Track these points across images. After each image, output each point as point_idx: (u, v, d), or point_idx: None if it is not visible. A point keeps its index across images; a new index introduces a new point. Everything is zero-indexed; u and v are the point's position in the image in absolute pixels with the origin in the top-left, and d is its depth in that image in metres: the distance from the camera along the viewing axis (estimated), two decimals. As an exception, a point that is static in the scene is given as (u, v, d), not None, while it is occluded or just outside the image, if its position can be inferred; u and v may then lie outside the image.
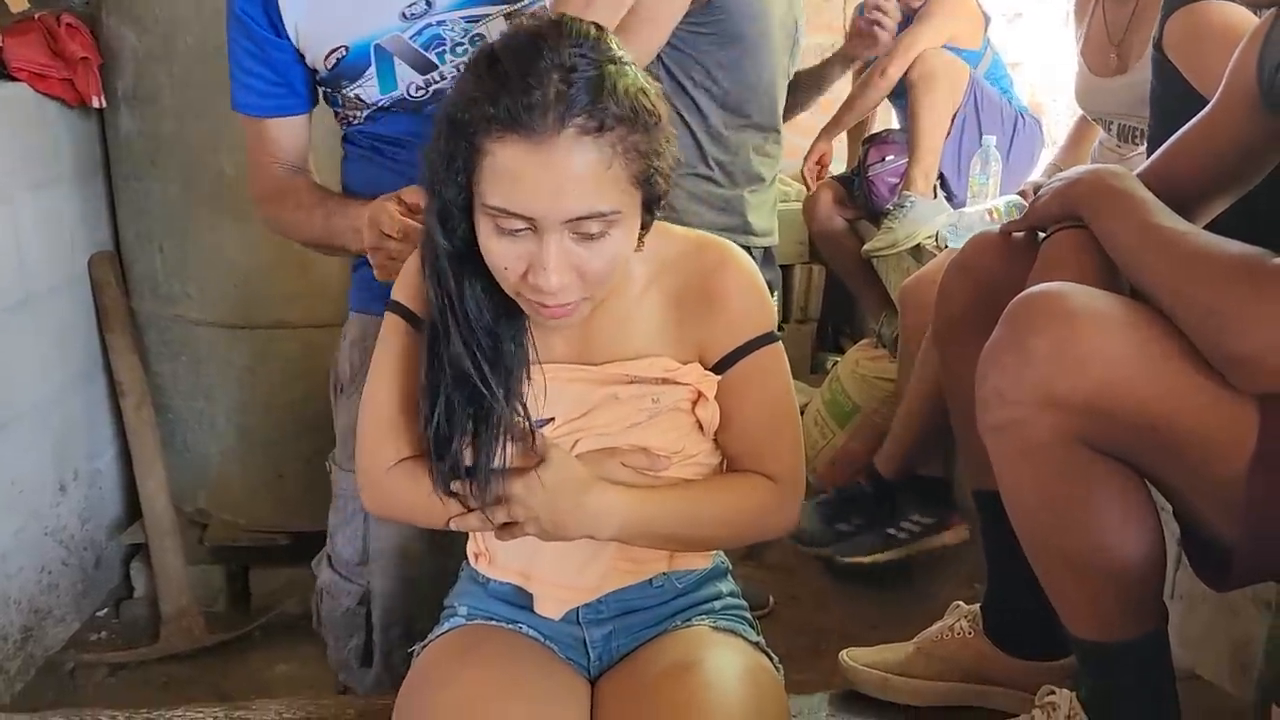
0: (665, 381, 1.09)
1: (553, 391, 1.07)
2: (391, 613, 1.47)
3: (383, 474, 1.11)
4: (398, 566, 1.45)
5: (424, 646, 1.15)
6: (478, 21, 1.34)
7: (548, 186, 0.92)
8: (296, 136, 1.48)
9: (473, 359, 1.02)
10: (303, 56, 1.41)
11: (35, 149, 2.41)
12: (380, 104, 1.39)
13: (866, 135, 3.16)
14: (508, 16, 1.36)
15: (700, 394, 1.10)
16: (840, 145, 3.40)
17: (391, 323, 1.12)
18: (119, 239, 2.64)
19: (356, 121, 1.45)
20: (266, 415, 2.50)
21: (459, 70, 1.33)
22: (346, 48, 1.36)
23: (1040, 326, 0.98)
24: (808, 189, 3.23)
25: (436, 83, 1.36)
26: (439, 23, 1.34)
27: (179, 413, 2.65)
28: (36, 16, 2.38)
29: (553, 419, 1.08)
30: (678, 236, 1.12)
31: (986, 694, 1.40)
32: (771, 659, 1.16)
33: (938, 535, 2.03)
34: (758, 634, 1.17)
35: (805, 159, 3.24)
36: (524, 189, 0.92)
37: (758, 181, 2.18)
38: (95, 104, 2.46)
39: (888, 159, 2.94)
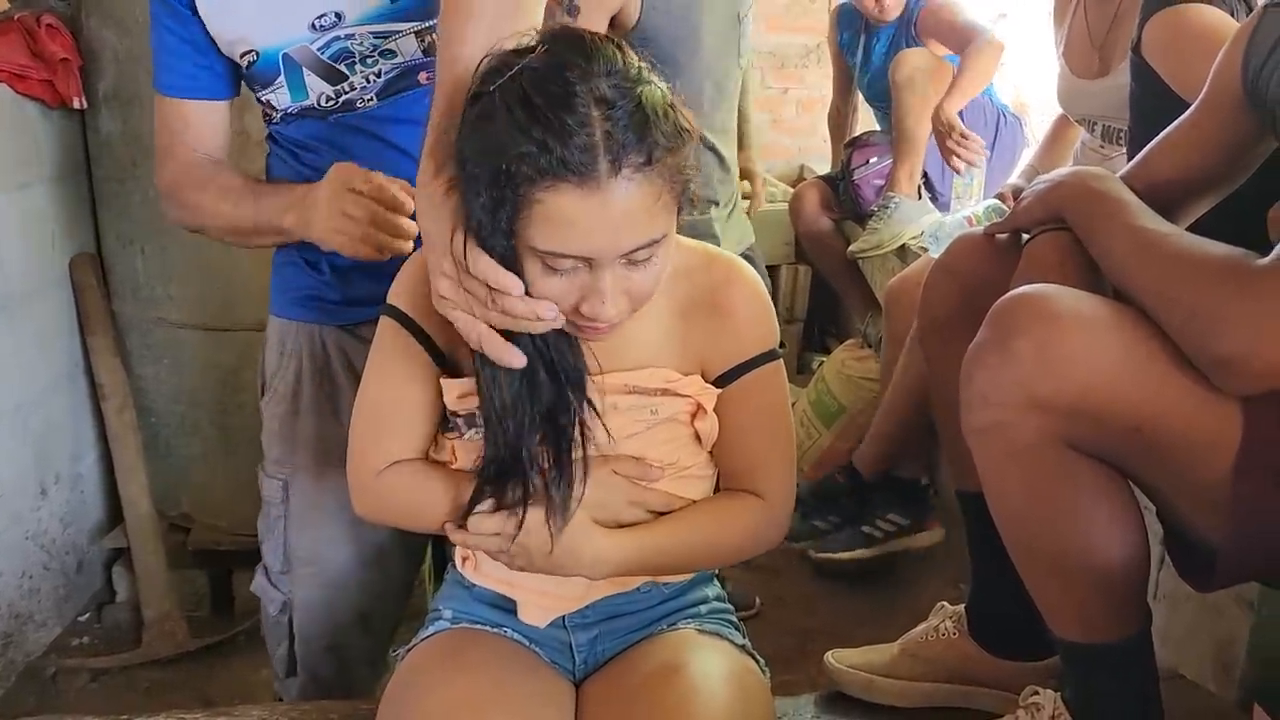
0: (665, 393, 1.08)
1: None
2: (311, 623, 1.45)
3: (374, 478, 1.10)
4: (316, 576, 1.43)
5: (408, 650, 1.15)
6: (387, 38, 1.32)
7: (605, 228, 0.90)
8: (217, 124, 1.43)
9: (548, 372, 1.00)
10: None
11: (15, 150, 2.39)
12: (290, 111, 1.37)
13: (849, 139, 3.17)
14: (418, 34, 1.34)
15: (700, 406, 1.10)
16: (825, 146, 3.42)
17: (386, 326, 1.10)
18: (100, 241, 2.62)
19: (274, 121, 1.43)
20: (250, 418, 2.48)
21: (369, 80, 1.34)
22: (257, 53, 1.34)
23: (1024, 328, 0.99)
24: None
25: (347, 93, 1.35)
26: (347, 36, 1.32)
27: (161, 416, 2.63)
28: (16, 17, 2.37)
29: None
30: (685, 248, 1.10)
31: (971, 695, 1.40)
32: (757, 661, 1.16)
33: (913, 536, 2.04)
34: (744, 636, 1.17)
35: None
36: (579, 233, 0.90)
37: (710, 206, 2.09)
38: (76, 105, 2.45)
39: (871, 161, 2.95)
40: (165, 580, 2.58)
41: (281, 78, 1.35)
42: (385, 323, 1.11)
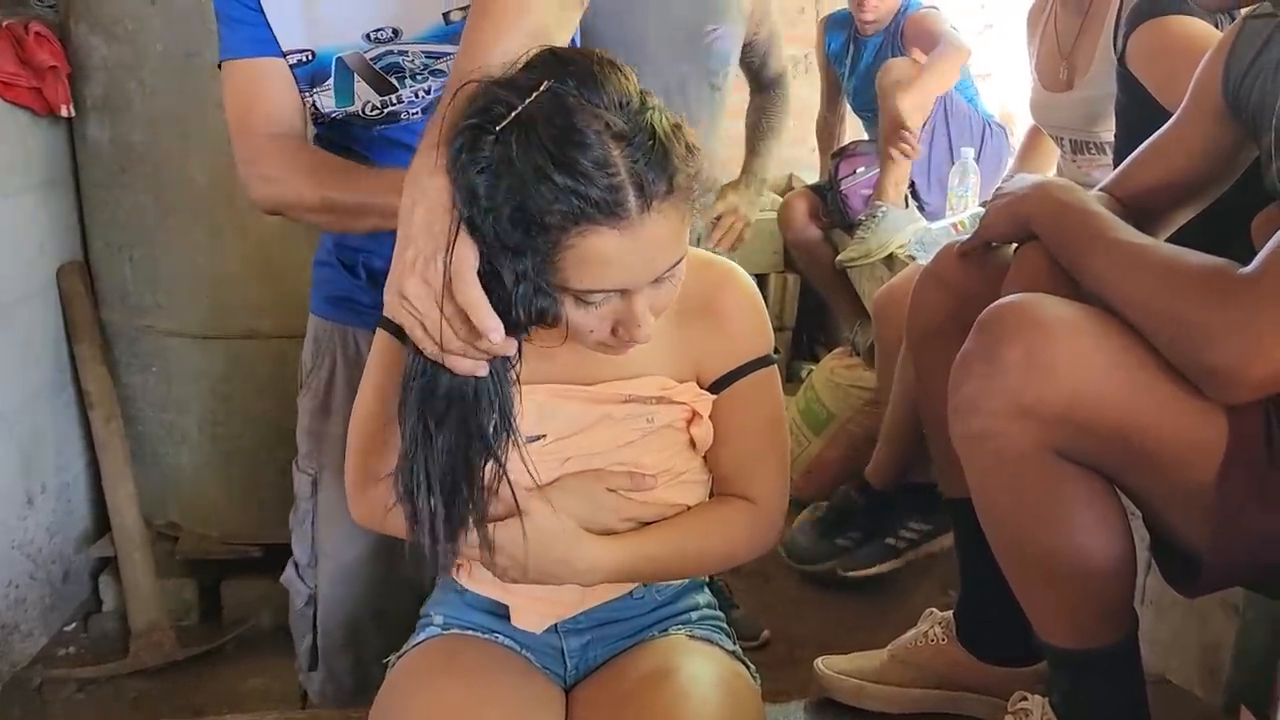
0: (661, 400, 1.09)
1: (547, 410, 1.07)
2: (331, 617, 1.48)
3: (367, 489, 1.11)
4: (336, 571, 1.46)
5: (399, 657, 1.15)
6: (438, 59, 1.33)
7: (640, 261, 0.92)
8: (292, 90, 1.33)
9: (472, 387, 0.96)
10: None
11: (3, 158, 2.38)
12: (333, 116, 1.37)
13: (835, 149, 3.18)
14: None
15: (695, 413, 1.10)
16: (813, 156, 3.43)
17: (380, 338, 1.11)
18: (88, 249, 2.61)
19: (319, 121, 1.41)
20: (238, 426, 2.48)
21: (418, 96, 1.34)
22: (312, 53, 1.34)
23: (1012, 336, 0.99)
24: None
25: (393, 105, 1.35)
26: (400, 52, 1.33)
27: (149, 424, 2.62)
28: (4, 25, 2.36)
29: (543, 436, 1.07)
30: None
31: (960, 700, 1.41)
32: (748, 667, 1.16)
33: (936, 540, 2.03)
34: (734, 642, 1.18)
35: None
36: (616, 269, 0.91)
37: None
38: (64, 113, 2.44)
39: (858, 171, 2.96)
40: (153, 589, 2.56)
41: (331, 81, 1.35)
42: (380, 335, 1.11)
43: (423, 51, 1.33)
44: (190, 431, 2.56)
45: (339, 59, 1.33)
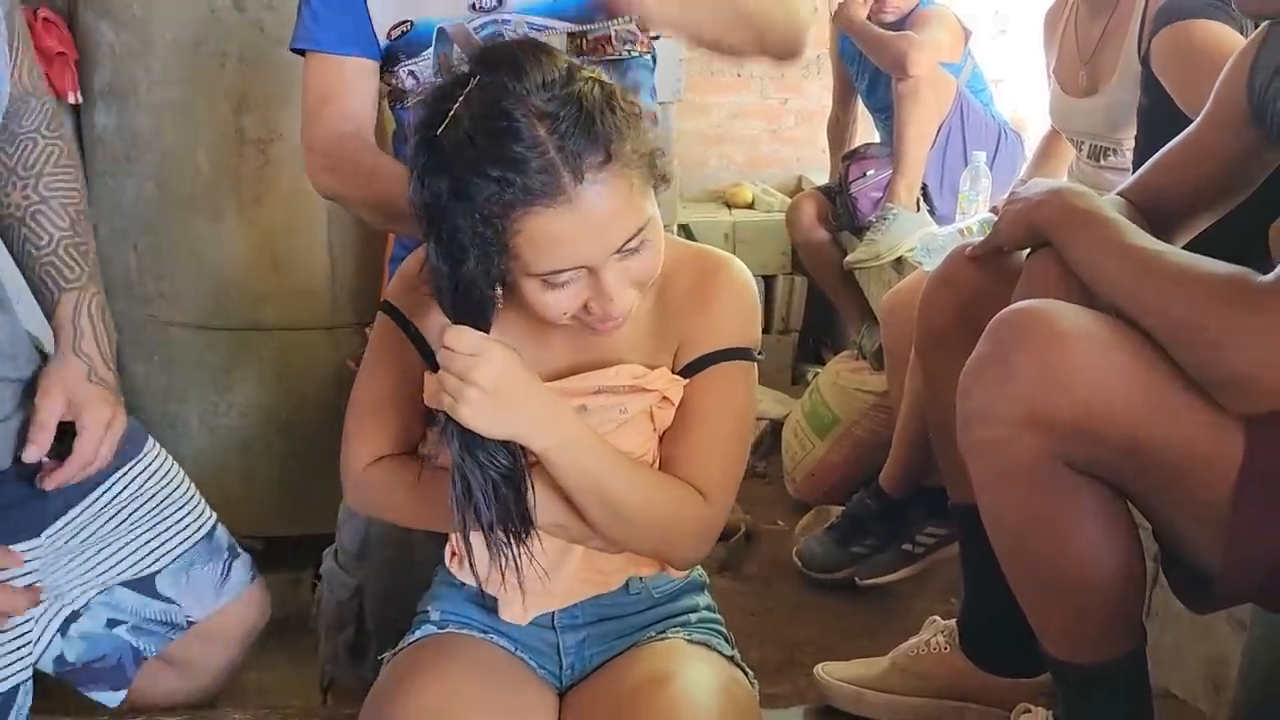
0: (633, 390, 1.08)
1: None
2: (378, 612, 1.47)
3: (361, 471, 1.12)
4: (391, 563, 1.45)
5: (394, 655, 1.14)
6: (541, 32, 1.36)
7: (590, 235, 0.92)
8: (369, 89, 1.42)
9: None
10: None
11: (9, 144, 2.37)
12: (419, 92, 1.38)
13: (846, 151, 3.17)
14: (571, 36, 1.38)
15: (665, 398, 1.08)
16: (823, 157, 3.41)
17: (381, 322, 1.13)
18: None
19: (403, 104, 1.44)
20: (239, 418, 2.47)
21: None
22: (411, 23, 1.37)
23: (1024, 344, 0.98)
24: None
25: None
26: (504, 21, 1.36)
27: (150, 415, 2.61)
28: (13, 9, 2.35)
29: None
30: (680, 246, 1.12)
31: (962, 710, 1.39)
32: (746, 673, 1.15)
33: (953, 545, 2.01)
34: (732, 647, 1.16)
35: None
36: (568, 247, 0.92)
37: None
38: (71, 99, 2.43)
39: (869, 174, 2.94)
40: (151, 580, 2.55)
41: (430, 51, 1.37)
42: (381, 319, 1.13)
43: (526, 23, 1.36)
44: (191, 423, 2.56)
45: (440, 29, 1.35)
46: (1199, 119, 1.24)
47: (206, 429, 2.56)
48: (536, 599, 1.11)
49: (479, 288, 0.95)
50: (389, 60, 1.42)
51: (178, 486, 1.37)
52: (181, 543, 1.32)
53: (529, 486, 1.00)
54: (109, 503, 1.28)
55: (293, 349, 2.38)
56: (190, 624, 1.35)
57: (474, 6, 1.36)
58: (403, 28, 1.38)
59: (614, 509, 1.03)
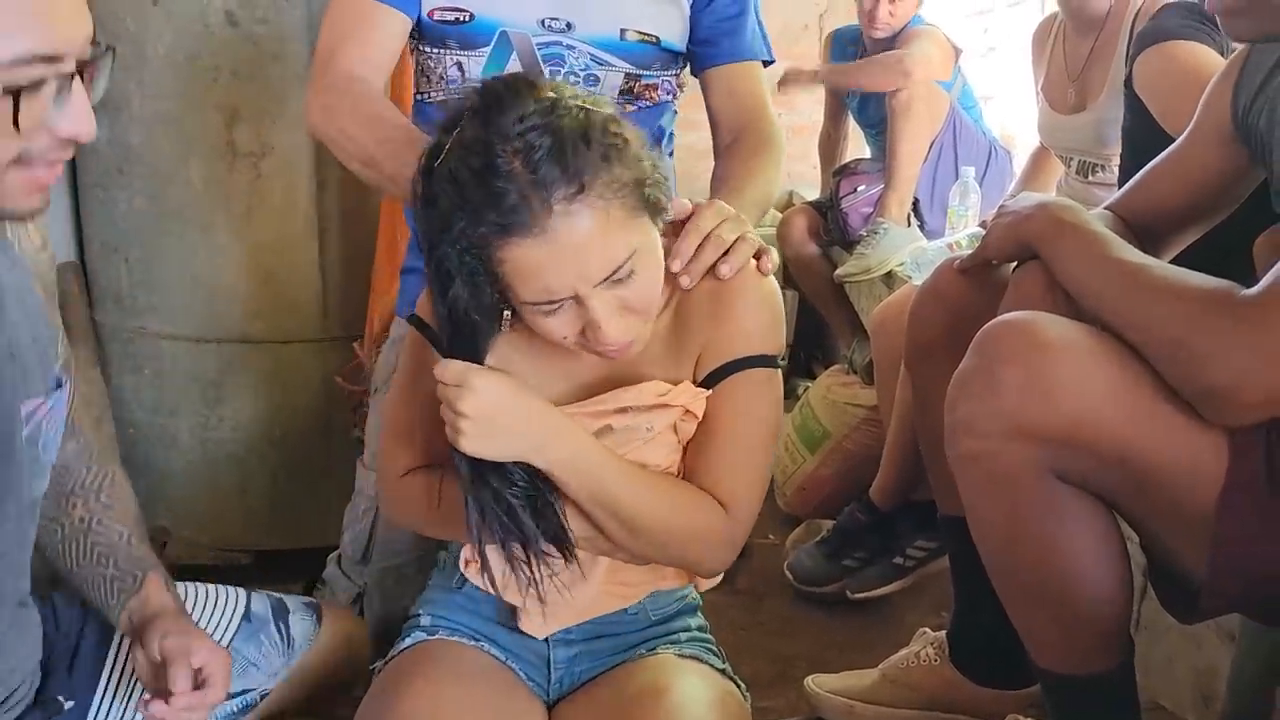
0: (656, 407, 1.07)
1: None
2: (376, 615, 1.48)
3: (395, 482, 1.12)
4: (392, 571, 1.46)
5: (386, 662, 1.14)
6: (601, 65, 1.38)
7: (568, 265, 0.93)
8: (393, 40, 1.37)
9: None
10: None
11: (0, 157, 2.37)
12: (454, 86, 1.39)
13: (837, 166, 3.19)
14: (627, 76, 1.42)
15: (689, 411, 1.08)
16: (814, 172, 3.43)
17: (413, 337, 1.14)
18: (83, 249, 2.60)
19: (429, 99, 1.42)
20: (231, 432, 2.47)
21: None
22: (471, 15, 1.37)
23: (1010, 356, 0.98)
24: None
25: None
26: (569, 46, 1.37)
27: (141, 428, 2.60)
28: (6, 23, 2.35)
29: None
30: None
31: (952, 722, 1.40)
32: (739, 686, 1.15)
33: (943, 557, 2.02)
34: (723, 661, 1.16)
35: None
36: (548, 277, 0.93)
37: None
38: (64, 113, 2.43)
39: (859, 189, 2.96)
40: (140, 594, 2.54)
41: (489, 49, 1.37)
42: (410, 333, 1.14)
43: (589, 53, 1.38)
44: (182, 436, 2.55)
45: (504, 32, 1.36)
46: (1184, 136, 1.25)
47: (197, 442, 2.55)
48: (558, 611, 1.10)
49: (470, 316, 0.97)
50: (433, 39, 1.39)
51: (182, 597, 1.33)
52: (221, 639, 1.27)
53: (559, 499, 1.01)
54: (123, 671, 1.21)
55: (284, 362, 2.37)
56: (267, 694, 1.30)
57: (545, 23, 1.37)
58: (459, 15, 1.36)
59: (629, 521, 1.03)
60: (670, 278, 1.05)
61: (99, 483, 1.20)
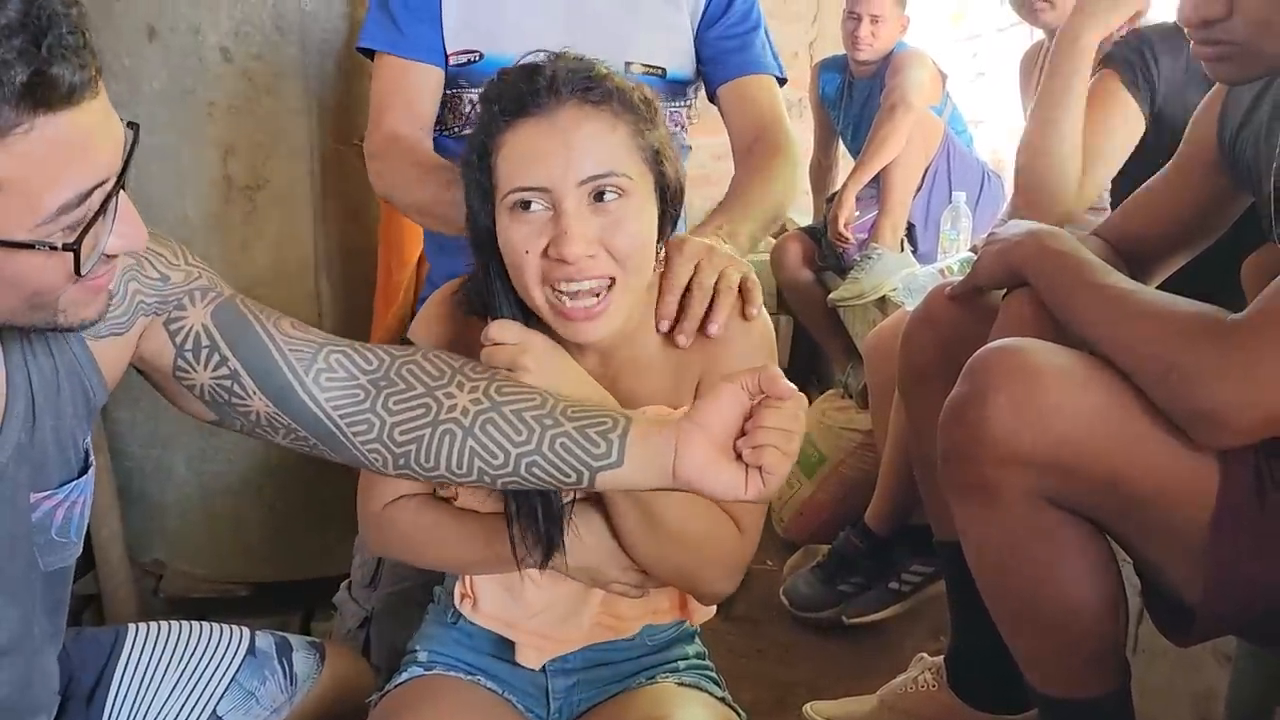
0: None
1: None
2: (383, 637, 1.47)
3: (380, 511, 1.11)
4: (396, 597, 1.45)
5: (381, 697, 1.13)
6: None
7: (559, 150, 0.96)
8: (430, 93, 1.47)
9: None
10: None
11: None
12: (463, 128, 1.45)
13: (830, 193, 3.20)
14: None
15: None
16: (806, 199, 3.45)
17: None
18: (80, 283, 2.61)
19: (448, 132, 1.49)
20: (226, 464, 2.46)
21: None
22: (480, 54, 1.44)
23: (1001, 382, 0.99)
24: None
25: None
26: None
27: (136, 460, 2.60)
28: (2, 60, 2.37)
29: None
30: None
31: (951, 748, 1.39)
32: (738, 713, 1.14)
33: (939, 582, 2.02)
34: (723, 689, 1.16)
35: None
36: (537, 160, 0.96)
37: None
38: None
39: (854, 215, 2.97)
40: (136, 628, 2.53)
41: None
42: None
43: None
44: (177, 468, 2.54)
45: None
46: (1171, 163, 1.27)
47: (194, 474, 2.54)
48: (551, 643, 1.10)
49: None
50: (451, 80, 1.48)
51: (187, 633, 1.32)
52: (225, 671, 1.27)
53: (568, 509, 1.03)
54: (125, 699, 1.22)
55: (280, 394, 2.38)
56: None
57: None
58: (470, 56, 1.44)
59: (654, 518, 1.02)
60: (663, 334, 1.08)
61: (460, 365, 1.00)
